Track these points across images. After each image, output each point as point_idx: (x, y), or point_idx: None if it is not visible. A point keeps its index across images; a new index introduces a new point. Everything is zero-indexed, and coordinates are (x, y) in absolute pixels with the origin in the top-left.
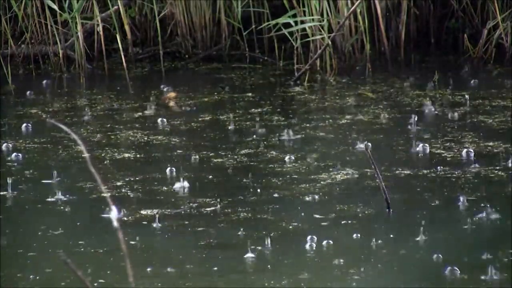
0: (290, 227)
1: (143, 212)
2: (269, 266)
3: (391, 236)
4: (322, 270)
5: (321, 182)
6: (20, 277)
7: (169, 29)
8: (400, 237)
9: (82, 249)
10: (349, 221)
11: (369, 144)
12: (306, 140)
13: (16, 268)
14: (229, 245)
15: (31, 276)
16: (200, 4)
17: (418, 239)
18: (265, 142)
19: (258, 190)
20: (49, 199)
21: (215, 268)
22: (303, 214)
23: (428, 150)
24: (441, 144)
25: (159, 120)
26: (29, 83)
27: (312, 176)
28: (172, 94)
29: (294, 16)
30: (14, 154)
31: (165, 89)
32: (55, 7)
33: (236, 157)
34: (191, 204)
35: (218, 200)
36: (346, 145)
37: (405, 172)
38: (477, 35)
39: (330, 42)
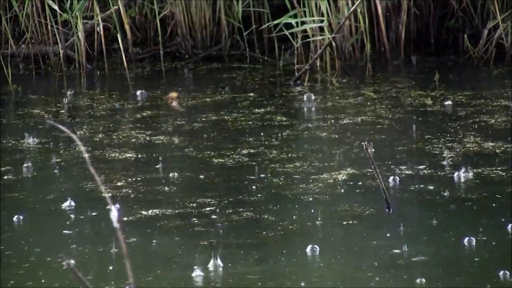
0: (290, 227)
1: (144, 212)
2: (269, 266)
3: (391, 236)
4: (322, 270)
5: (322, 182)
6: (18, 278)
7: (169, 29)
8: (400, 237)
9: (82, 250)
10: (349, 221)
11: (368, 144)
12: (307, 140)
13: (16, 270)
14: (230, 245)
15: (27, 283)
16: (200, 4)
17: (418, 239)
18: (266, 142)
19: (258, 190)
20: (49, 198)
21: (215, 268)
22: (303, 214)
23: (429, 150)
24: (443, 144)
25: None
26: (30, 83)
27: (313, 176)
28: (174, 94)
29: (295, 16)
30: (15, 154)
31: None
32: (55, 7)
33: (237, 157)
34: (191, 204)
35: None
36: (347, 145)
37: (406, 172)
38: (477, 35)
39: (332, 42)
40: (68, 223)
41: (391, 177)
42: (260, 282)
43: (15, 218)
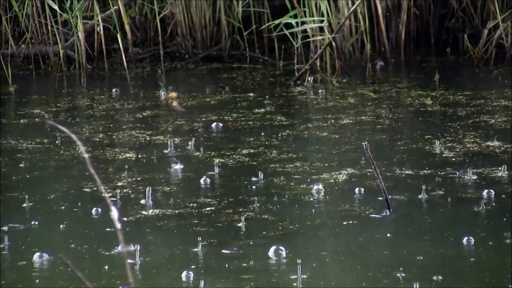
0: (291, 227)
1: (144, 212)
2: (269, 266)
3: (391, 236)
4: (322, 270)
5: (322, 182)
6: (18, 277)
7: (169, 29)
8: (400, 237)
9: (82, 250)
10: (349, 221)
11: (368, 144)
12: (308, 140)
13: (15, 270)
14: (230, 245)
15: (26, 283)
16: (200, 4)
17: (418, 239)
18: (266, 142)
19: (258, 190)
20: (49, 198)
21: (216, 268)
22: (303, 214)
23: (429, 150)
24: (443, 144)
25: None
26: (30, 83)
27: (313, 176)
28: (174, 94)
29: (295, 16)
30: (15, 154)
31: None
32: (55, 7)
33: (237, 157)
34: (191, 204)
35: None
36: (347, 145)
37: (406, 172)
38: (477, 35)
39: (332, 42)
40: (66, 223)
41: (389, 177)
42: (260, 282)
43: (17, 220)
